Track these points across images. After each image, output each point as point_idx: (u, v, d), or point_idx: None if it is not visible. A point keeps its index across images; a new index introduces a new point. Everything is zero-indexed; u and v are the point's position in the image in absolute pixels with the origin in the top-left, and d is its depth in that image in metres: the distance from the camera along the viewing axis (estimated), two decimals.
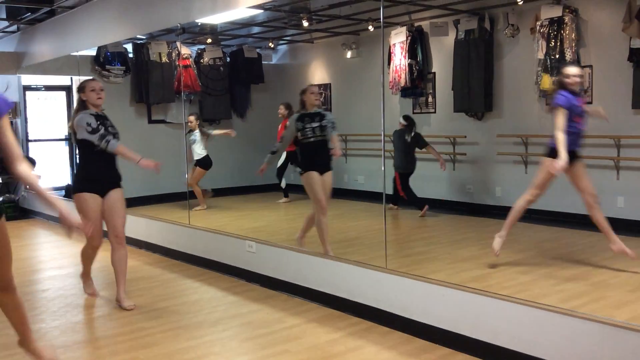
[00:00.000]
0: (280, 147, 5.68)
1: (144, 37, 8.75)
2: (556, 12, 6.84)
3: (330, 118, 5.40)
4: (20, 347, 3.44)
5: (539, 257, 5.28)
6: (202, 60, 9.77)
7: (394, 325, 4.20)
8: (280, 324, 4.38)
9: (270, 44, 10.18)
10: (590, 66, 6.83)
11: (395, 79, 8.45)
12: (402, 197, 7.90)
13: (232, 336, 4.22)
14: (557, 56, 6.79)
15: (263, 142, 9.27)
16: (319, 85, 9.73)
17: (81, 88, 4.80)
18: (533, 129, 7.37)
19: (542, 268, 5.06)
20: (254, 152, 9.75)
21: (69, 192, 9.61)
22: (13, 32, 10.08)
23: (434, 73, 8.52)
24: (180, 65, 9.09)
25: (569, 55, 6.73)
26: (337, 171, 6.37)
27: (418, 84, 8.41)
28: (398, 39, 8.38)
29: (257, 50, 10.24)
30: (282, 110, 8.89)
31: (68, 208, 2.65)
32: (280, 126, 8.96)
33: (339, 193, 8.02)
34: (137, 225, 6.92)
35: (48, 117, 10.74)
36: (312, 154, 5.34)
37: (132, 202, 6.49)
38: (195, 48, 9.73)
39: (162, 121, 9.58)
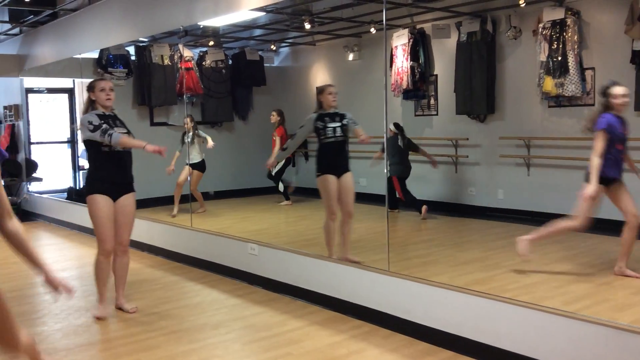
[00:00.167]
0: (291, 145, 5.66)
1: (146, 40, 8.75)
2: (558, 14, 6.83)
3: (350, 116, 5.37)
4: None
5: (541, 260, 5.26)
6: (204, 63, 9.76)
7: (397, 328, 4.20)
8: (282, 327, 4.38)
9: (272, 47, 10.19)
10: (593, 68, 6.82)
11: (397, 81, 8.44)
12: (400, 199, 7.94)
13: (235, 339, 4.21)
14: (560, 58, 6.79)
15: (265, 145, 9.30)
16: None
17: (90, 87, 4.68)
18: (535, 131, 7.35)
19: (545, 270, 5.05)
20: (255, 154, 9.77)
21: (71, 195, 9.68)
22: (16, 34, 10.12)
23: (436, 75, 8.51)
24: (183, 67, 9.09)
25: (571, 58, 6.73)
26: None
27: (420, 86, 8.40)
28: (400, 41, 8.38)
29: (259, 52, 10.24)
30: (274, 117, 8.93)
31: (52, 271, 2.65)
32: (273, 133, 8.95)
33: None
34: (139, 227, 6.84)
35: (50, 119, 10.77)
36: (332, 154, 5.30)
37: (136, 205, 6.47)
38: (198, 50, 9.73)
39: (164, 124, 9.57)
